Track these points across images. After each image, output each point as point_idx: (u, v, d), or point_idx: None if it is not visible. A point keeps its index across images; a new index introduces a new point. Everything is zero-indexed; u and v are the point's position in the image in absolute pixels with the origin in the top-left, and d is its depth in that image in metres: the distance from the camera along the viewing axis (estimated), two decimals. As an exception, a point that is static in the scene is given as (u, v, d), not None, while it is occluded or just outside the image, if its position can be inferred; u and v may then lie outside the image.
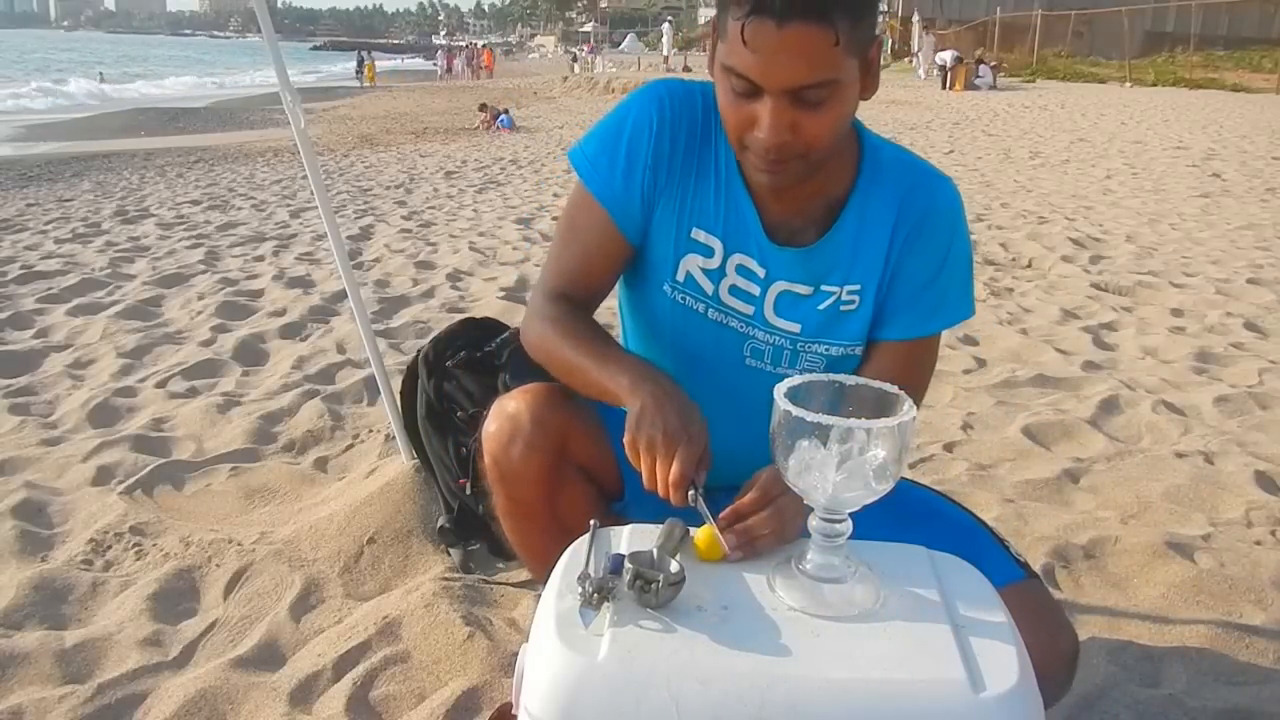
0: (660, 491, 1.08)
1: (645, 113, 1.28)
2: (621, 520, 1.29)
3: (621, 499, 1.34)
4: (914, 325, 1.30)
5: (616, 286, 1.42)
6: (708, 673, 0.85)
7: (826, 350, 1.31)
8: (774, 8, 1.04)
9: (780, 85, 1.08)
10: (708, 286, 1.30)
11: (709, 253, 1.29)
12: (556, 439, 1.26)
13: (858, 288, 1.29)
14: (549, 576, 1.03)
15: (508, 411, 1.27)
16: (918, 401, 1.34)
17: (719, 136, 1.27)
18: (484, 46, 44.35)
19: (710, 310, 1.31)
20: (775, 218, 1.27)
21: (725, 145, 1.26)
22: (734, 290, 1.30)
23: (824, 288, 1.28)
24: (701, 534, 1.03)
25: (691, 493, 1.07)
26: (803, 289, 1.28)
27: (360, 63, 34.52)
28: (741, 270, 1.29)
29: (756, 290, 1.29)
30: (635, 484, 1.31)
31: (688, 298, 1.31)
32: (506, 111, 15.25)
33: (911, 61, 28.38)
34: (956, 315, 1.33)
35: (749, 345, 1.32)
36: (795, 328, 1.30)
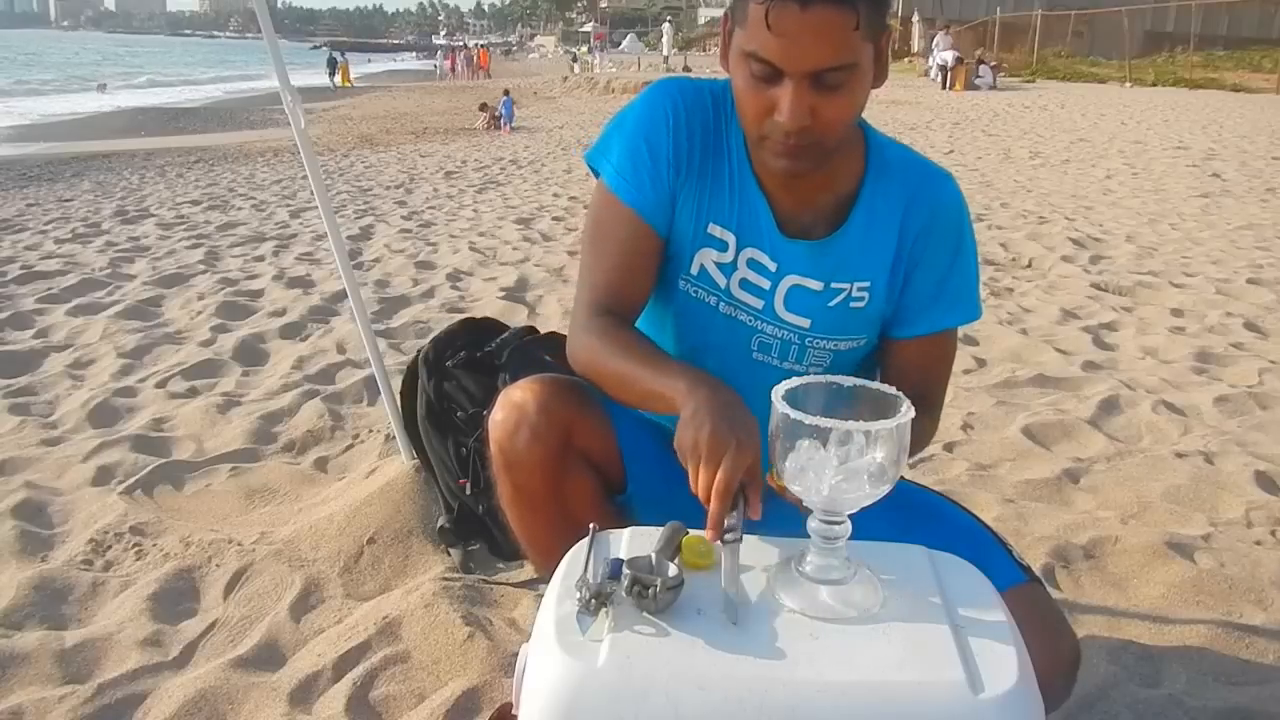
0: (702, 498, 1.03)
1: (661, 110, 1.29)
2: (624, 512, 1.29)
3: (624, 491, 1.34)
4: (931, 321, 1.32)
5: None
6: (706, 677, 0.85)
7: (835, 346, 1.33)
8: None
9: (803, 68, 1.10)
10: (720, 280, 1.30)
11: (723, 247, 1.29)
12: (561, 429, 1.27)
13: (867, 284, 1.30)
14: (552, 573, 1.03)
15: (514, 400, 1.28)
16: (940, 398, 1.36)
17: (731, 131, 1.28)
18: (482, 47, 44.28)
19: (721, 304, 1.32)
20: (786, 212, 1.28)
21: (737, 140, 1.27)
22: (745, 284, 1.30)
23: (834, 284, 1.29)
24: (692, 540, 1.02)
25: (730, 535, 0.99)
26: (814, 284, 1.29)
27: (332, 65, 30.12)
28: (753, 264, 1.29)
29: (767, 284, 1.30)
30: (638, 477, 1.32)
31: (700, 291, 1.32)
32: (508, 92, 15.27)
33: (911, 61, 28.34)
34: (969, 312, 1.34)
35: (757, 339, 1.32)
36: (805, 323, 1.31)
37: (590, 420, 1.30)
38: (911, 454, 1.00)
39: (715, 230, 1.29)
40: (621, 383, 1.23)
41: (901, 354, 1.34)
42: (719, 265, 1.30)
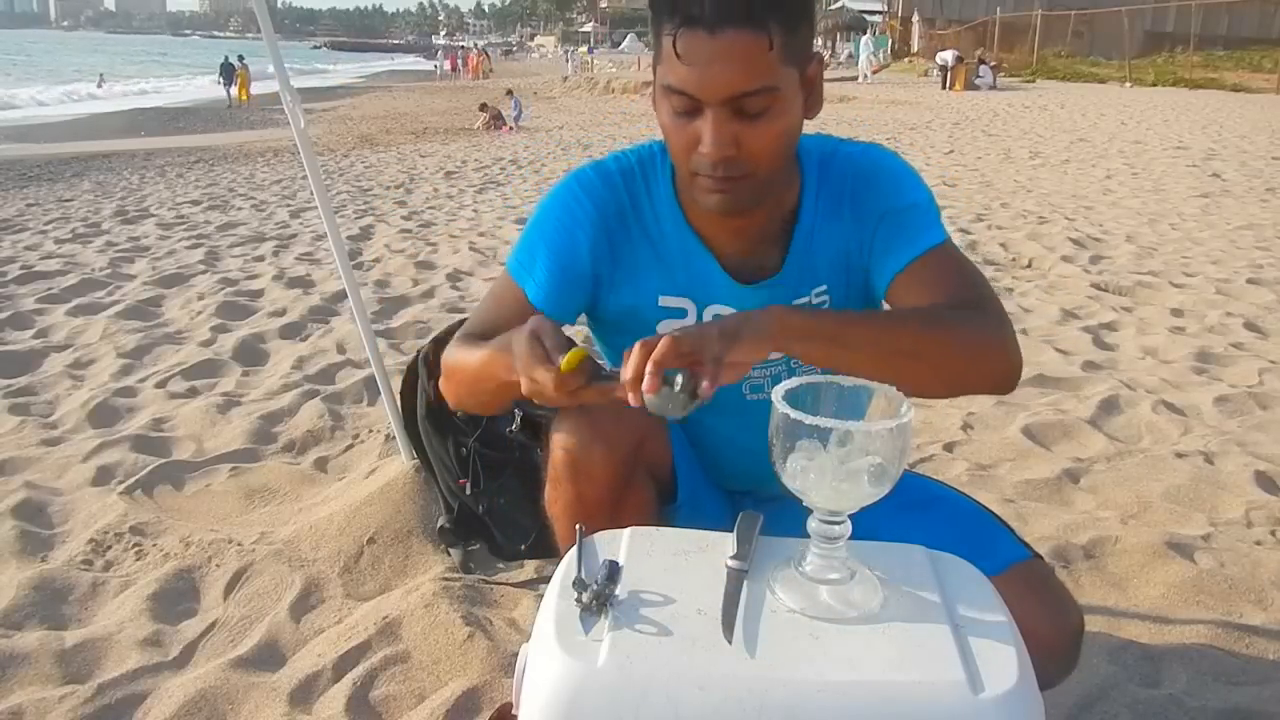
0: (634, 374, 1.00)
1: (567, 214, 1.27)
2: (672, 524, 1.28)
3: (674, 501, 1.34)
4: (907, 248, 1.21)
5: (593, 338, 1.41)
6: (706, 677, 0.85)
7: None
8: (704, 17, 1.04)
9: (718, 95, 1.07)
10: None
11: (682, 314, 1.28)
12: (633, 440, 1.25)
13: (824, 287, 1.28)
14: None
15: (587, 409, 1.24)
16: (982, 300, 1.19)
17: (657, 199, 1.26)
18: (482, 49, 44.39)
19: None
20: (735, 259, 1.26)
21: (666, 207, 1.25)
22: None
23: (796, 303, 1.27)
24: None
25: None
26: None
27: (228, 72, 22.36)
28: (720, 319, 1.27)
29: None
30: (688, 487, 1.31)
31: None
32: (511, 92, 15.44)
33: (911, 61, 28.34)
34: (933, 236, 1.24)
35: (747, 383, 1.30)
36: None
37: (656, 431, 1.29)
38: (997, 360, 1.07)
39: (668, 302, 1.27)
40: (476, 374, 1.19)
41: (902, 288, 1.22)
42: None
